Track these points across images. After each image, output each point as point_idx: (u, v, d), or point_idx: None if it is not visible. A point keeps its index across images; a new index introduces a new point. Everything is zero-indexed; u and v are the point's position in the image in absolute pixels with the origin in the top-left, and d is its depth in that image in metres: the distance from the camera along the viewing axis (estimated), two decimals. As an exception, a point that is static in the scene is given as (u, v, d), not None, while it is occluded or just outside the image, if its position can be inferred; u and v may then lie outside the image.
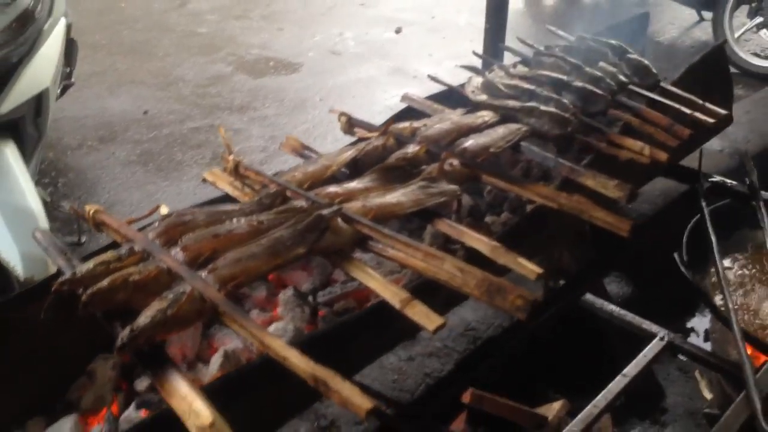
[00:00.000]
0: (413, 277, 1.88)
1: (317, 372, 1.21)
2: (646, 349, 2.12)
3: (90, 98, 5.37)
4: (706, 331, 3.12)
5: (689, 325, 3.20)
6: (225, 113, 5.22)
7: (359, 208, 1.67)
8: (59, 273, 1.45)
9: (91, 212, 1.58)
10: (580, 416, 1.91)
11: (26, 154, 3.08)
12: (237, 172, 1.83)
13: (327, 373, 1.20)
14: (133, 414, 1.49)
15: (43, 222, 2.75)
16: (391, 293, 1.46)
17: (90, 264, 1.40)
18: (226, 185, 1.87)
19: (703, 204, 2.42)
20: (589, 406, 1.92)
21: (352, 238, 1.61)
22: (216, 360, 1.63)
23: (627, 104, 2.37)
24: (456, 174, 1.90)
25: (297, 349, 1.25)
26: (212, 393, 1.21)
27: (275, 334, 1.66)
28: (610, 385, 1.97)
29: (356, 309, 1.90)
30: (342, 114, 2.14)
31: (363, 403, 1.11)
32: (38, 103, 3.05)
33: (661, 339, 2.15)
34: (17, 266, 2.58)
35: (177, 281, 1.39)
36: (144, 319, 1.27)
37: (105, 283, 1.34)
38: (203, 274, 1.39)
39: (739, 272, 2.50)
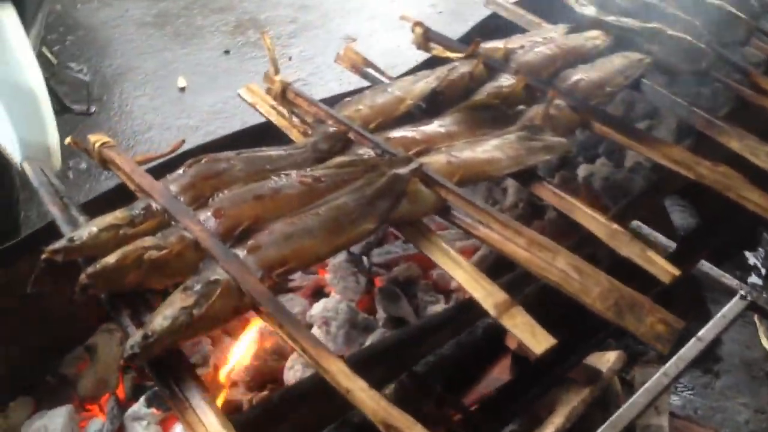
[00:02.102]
0: (487, 251, 1.56)
1: (392, 418, 0.92)
2: (725, 308, 1.80)
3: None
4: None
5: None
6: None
7: (443, 166, 1.33)
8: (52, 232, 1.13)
9: (97, 145, 1.26)
10: (647, 385, 1.66)
11: (27, 17, 2.72)
12: (284, 97, 1.47)
13: (405, 420, 0.92)
14: (143, 410, 1.23)
15: (45, 101, 2.41)
16: (484, 292, 1.16)
17: (93, 228, 1.10)
18: (269, 111, 1.53)
19: None
20: (658, 374, 1.66)
21: (434, 207, 1.29)
22: (249, 344, 1.34)
23: (775, 35, 1.94)
24: (564, 120, 1.54)
25: (364, 381, 0.96)
26: (246, 427, 0.93)
27: (323, 315, 1.38)
28: (683, 350, 1.67)
29: (420, 277, 1.60)
30: (417, 24, 1.75)
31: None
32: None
33: (742, 297, 1.83)
34: (14, 152, 2.28)
35: (206, 260, 1.08)
36: (162, 321, 0.98)
37: (112, 259, 1.04)
38: (242, 253, 1.08)
39: None
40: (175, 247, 1.08)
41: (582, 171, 1.87)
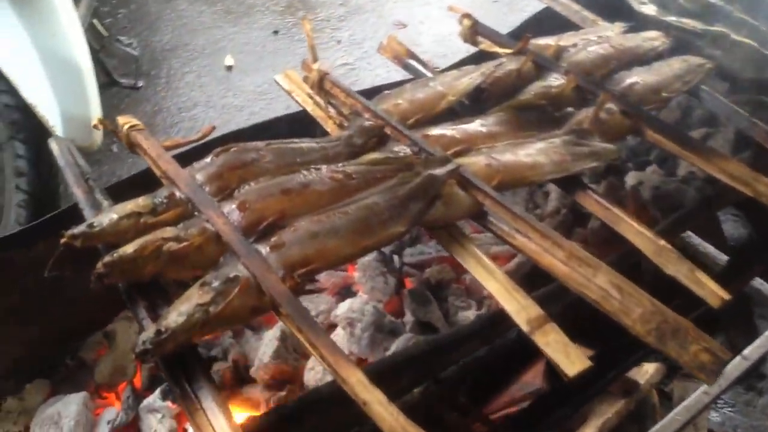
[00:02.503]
0: (524, 258, 1.50)
1: (409, 435, 0.88)
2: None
3: None
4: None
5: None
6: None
7: (482, 168, 1.27)
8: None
9: (126, 127, 1.23)
10: (686, 403, 1.59)
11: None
12: (321, 86, 1.43)
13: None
14: (158, 402, 1.20)
15: (90, 76, 2.41)
16: (517, 305, 1.11)
17: (113, 215, 1.07)
18: (306, 99, 1.48)
19: None
20: (698, 392, 1.59)
21: (469, 211, 1.23)
22: (270, 340, 1.31)
23: None
24: (614, 125, 1.47)
25: (382, 392, 0.91)
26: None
27: (348, 316, 1.34)
28: (727, 368, 1.58)
29: (453, 281, 1.55)
30: (465, 16, 1.68)
31: None
32: None
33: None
34: (56, 126, 2.29)
35: (227, 254, 1.04)
36: (177, 317, 0.95)
37: (130, 249, 1.01)
38: (264, 249, 1.04)
39: None
40: (196, 240, 1.05)
41: (630, 178, 1.79)
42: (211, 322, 0.96)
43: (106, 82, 3.33)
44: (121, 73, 3.41)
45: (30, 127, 2.23)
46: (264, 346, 1.31)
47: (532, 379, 1.74)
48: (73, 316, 1.32)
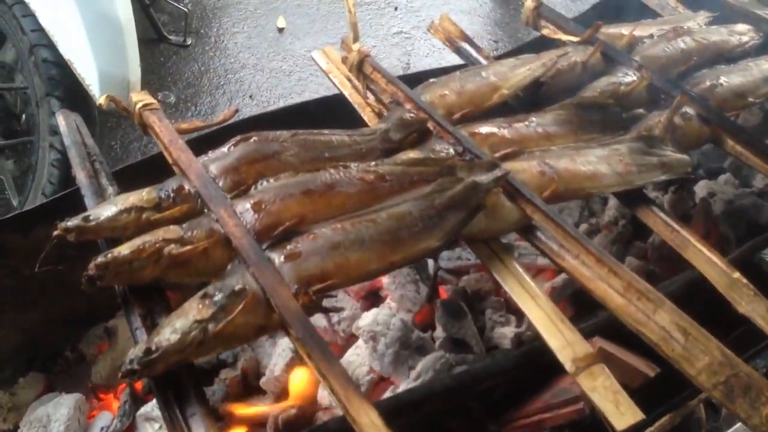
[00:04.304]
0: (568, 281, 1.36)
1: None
2: None
3: None
4: None
5: None
6: None
7: (534, 176, 1.14)
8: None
9: (138, 106, 1.13)
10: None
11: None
12: (360, 69, 1.31)
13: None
14: (156, 411, 1.11)
15: (131, 33, 2.32)
16: (562, 340, 1.00)
17: (113, 207, 0.98)
18: (343, 82, 1.36)
19: None
20: None
21: (515, 225, 1.11)
22: (284, 350, 1.21)
23: None
24: (690, 133, 1.32)
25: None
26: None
27: (371, 329, 1.23)
28: None
29: (492, 292, 1.42)
30: (528, -4, 1.53)
31: None
32: None
33: None
34: (93, 86, 2.22)
35: (235, 261, 0.94)
36: (170, 334, 0.85)
37: (126, 250, 0.92)
38: (278, 258, 0.94)
39: None
40: (202, 243, 0.95)
41: (701, 189, 1.63)
42: (209, 341, 0.87)
43: (155, 38, 3.28)
44: (170, 30, 3.36)
45: (67, 84, 2.17)
46: (276, 356, 1.21)
47: (570, 385, 1.62)
48: (74, 304, 1.24)
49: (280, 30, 3.55)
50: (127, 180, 1.09)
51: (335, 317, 1.33)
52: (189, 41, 3.35)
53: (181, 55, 3.33)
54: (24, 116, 2.35)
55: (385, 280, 1.37)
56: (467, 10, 3.63)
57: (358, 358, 1.25)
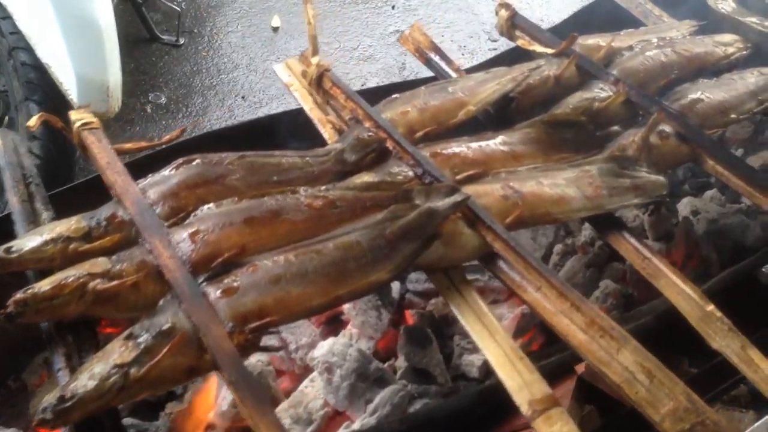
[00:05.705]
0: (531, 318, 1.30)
1: None
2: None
3: None
4: None
5: None
6: None
7: (496, 200, 1.09)
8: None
9: (77, 125, 1.07)
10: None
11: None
12: (320, 84, 1.25)
13: None
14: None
15: (111, 36, 2.27)
16: (519, 380, 0.94)
17: (38, 238, 0.93)
18: (305, 95, 1.31)
19: None
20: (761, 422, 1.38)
21: (475, 254, 1.05)
22: (227, 394, 1.15)
23: None
24: (666, 152, 1.26)
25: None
26: None
27: (327, 360, 1.17)
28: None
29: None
30: (503, 5, 1.47)
31: None
32: None
33: None
34: (71, 90, 2.17)
35: (168, 296, 0.89)
36: (87, 380, 0.80)
37: (46, 286, 0.87)
38: (214, 293, 0.88)
39: None
40: (131, 278, 0.89)
41: (684, 206, 1.57)
42: (131, 386, 0.81)
43: (147, 38, 3.23)
44: (163, 29, 3.32)
45: (46, 88, 2.12)
46: (225, 389, 1.16)
47: (561, 396, 1.56)
48: (18, 328, 1.18)
49: (275, 29, 3.51)
50: (70, 203, 1.04)
51: (293, 344, 1.28)
52: (182, 41, 3.30)
53: (174, 54, 3.28)
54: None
55: (345, 305, 1.31)
56: (465, 8, 3.57)
57: (312, 391, 1.19)
